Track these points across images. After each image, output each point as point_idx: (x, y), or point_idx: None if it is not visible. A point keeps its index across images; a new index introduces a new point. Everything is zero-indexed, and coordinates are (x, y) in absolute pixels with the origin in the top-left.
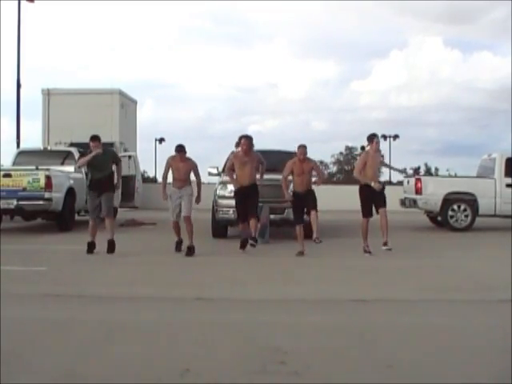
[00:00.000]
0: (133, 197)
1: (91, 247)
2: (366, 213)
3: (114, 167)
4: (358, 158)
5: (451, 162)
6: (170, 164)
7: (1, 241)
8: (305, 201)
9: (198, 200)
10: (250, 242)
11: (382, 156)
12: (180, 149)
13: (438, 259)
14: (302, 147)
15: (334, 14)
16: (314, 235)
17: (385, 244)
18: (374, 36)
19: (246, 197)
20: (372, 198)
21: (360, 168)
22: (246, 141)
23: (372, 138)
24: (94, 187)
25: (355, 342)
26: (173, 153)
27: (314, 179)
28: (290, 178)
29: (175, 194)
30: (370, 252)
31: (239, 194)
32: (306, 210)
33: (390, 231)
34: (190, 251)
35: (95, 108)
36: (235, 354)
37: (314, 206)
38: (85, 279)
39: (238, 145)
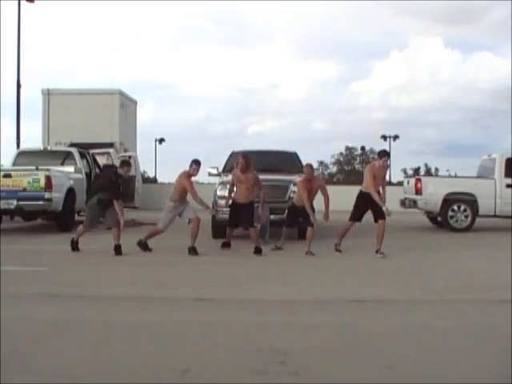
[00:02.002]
0: (133, 197)
1: (74, 246)
2: (355, 217)
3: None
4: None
5: (451, 163)
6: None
7: (1, 241)
8: (303, 216)
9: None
10: (257, 252)
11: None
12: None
13: (438, 259)
14: (309, 166)
15: (335, 15)
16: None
17: (377, 251)
18: (374, 36)
19: (241, 212)
20: (367, 206)
21: (372, 181)
22: (242, 160)
23: (383, 155)
24: (100, 204)
25: (355, 342)
26: (172, 152)
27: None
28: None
29: (175, 209)
30: (340, 251)
31: (233, 208)
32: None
33: (389, 231)
34: (194, 251)
35: (95, 108)
36: (235, 354)
37: (311, 223)
38: (84, 279)
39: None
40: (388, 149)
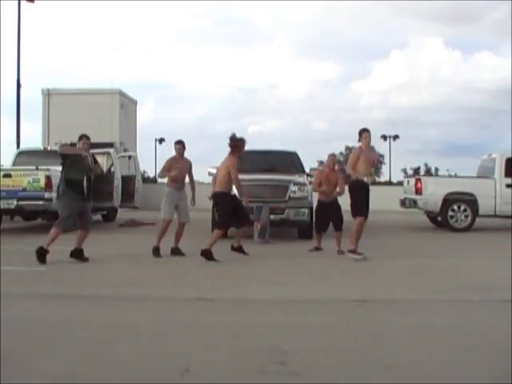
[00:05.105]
0: (133, 197)
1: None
2: (367, 211)
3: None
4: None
5: (451, 163)
6: (170, 163)
7: (1, 241)
8: (330, 213)
9: (193, 202)
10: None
11: (381, 156)
12: (180, 143)
13: (438, 259)
14: (332, 156)
15: (335, 15)
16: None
17: (350, 251)
18: (374, 36)
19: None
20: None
21: (353, 163)
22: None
23: (361, 132)
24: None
25: (355, 341)
26: (173, 152)
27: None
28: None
29: (175, 195)
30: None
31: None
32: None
33: (389, 230)
34: (178, 251)
35: (95, 108)
36: (235, 354)
37: (340, 227)
38: (85, 279)
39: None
40: (388, 149)
